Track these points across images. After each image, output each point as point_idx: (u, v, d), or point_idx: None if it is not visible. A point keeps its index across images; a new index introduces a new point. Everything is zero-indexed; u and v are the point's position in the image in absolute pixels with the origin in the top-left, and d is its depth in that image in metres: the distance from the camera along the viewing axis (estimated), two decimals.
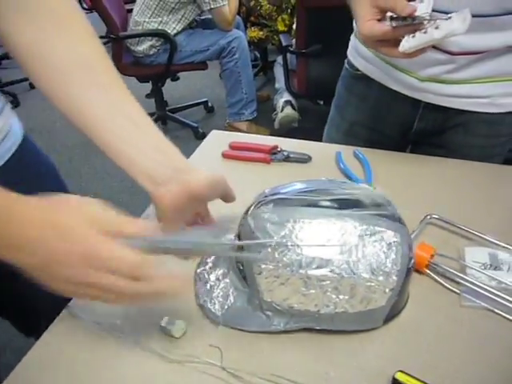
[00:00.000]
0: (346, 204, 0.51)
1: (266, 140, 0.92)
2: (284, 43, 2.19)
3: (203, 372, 0.49)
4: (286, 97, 2.59)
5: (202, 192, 0.54)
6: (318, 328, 0.52)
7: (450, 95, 0.80)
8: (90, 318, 0.55)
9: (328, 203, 0.52)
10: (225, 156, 0.88)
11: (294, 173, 0.81)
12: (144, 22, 2.40)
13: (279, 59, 2.73)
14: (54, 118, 2.84)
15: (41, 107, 2.98)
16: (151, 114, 2.84)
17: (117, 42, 2.37)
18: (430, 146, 0.89)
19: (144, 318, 0.55)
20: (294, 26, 2.41)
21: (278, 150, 0.86)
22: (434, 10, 0.62)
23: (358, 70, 0.90)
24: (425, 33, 0.60)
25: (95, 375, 0.50)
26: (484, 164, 0.82)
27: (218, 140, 0.94)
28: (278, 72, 2.70)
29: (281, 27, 3.00)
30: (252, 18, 3.10)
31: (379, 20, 0.64)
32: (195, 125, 2.76)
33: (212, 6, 2.33)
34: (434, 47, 0.75)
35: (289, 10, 2.99)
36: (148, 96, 2.83)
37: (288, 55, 2.27)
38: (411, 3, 0.62)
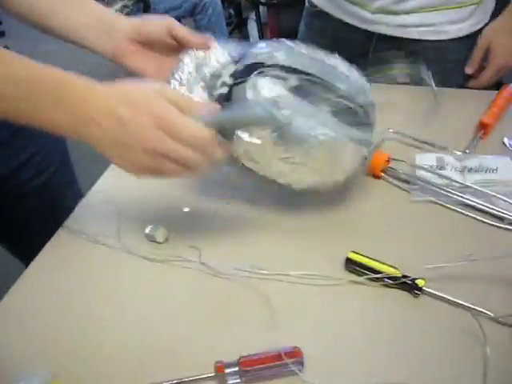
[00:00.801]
0: None
1: None
2: None
3: (185, 268, 0.57)
4: None
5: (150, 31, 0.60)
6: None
7: (400, 25, 0.87)
8: (84, 233, 0.62)
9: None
10: None
11: None
12: None
13: (252, 15, 2.73)
14: None
15: None
16: None
17: None
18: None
19: (131, 228, 0.61)
20: None
21: None
22: None
23: (316, 6, 0.95)
24: None
25: (92, 280, 0.57)
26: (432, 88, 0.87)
27: None
28: (252, 28, 2.71)
29: None
30: None
31: None
32: None
33: None
34: None
35: None
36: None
37: (261, 9, 2.28)
38: None
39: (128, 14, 2.43)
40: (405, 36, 0.87)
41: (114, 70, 0.79)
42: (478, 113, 0.78)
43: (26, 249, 0.89)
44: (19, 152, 0.78)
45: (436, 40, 0.87)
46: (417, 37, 0.87)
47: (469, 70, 0.89)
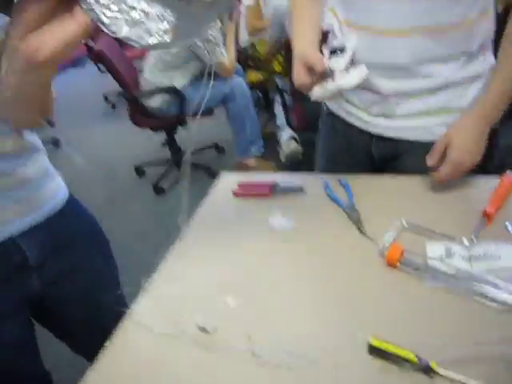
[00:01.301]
0: None
1: (267, 177, 1.11)
2: (280, 86, 2.42)
3: (233, 356, 0.67)
4: (289, 132, 2.80)
5: None
6: None
7: (395, 128, 0.99)
8: (148, 325, 0.73)
9: None
10: (235, 194, 1.07)
11: (291, 202, 1.00)
12: (154, 79, 2.67)
13: (278, 98, 2.97)
14: (73, 175, 3.10)
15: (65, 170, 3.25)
16: (167, 161, 3.08)
17: (132, 99, 2.63)
18: (392, 170, 1.05)
19: (185, 321, 0.73)
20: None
21: (277, 184, 1.05)
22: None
23: (328, 107, 1.11)
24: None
25: (147, 367, 0.68)
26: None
27: (227, 180, 1.13)
28: (278, 110, 2.93)
29: (277, 68, 3.25)
30: (250, 63, 3.37)
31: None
32: (208, 165, 2.99)
33: (214, 60, 2.59)
34: (371, 89, 0.94)
35: (282, 52, 3.24)
36: (164, 144, 3.08)
37: (286, 95, 2.50)
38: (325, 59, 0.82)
39: (166, 107, 2.70)
40: (399, 136, 0.99)
41: None
42: (482, 200, 0.88)
43: (79, 343, 1.01)
44: (61, 262, 0.92)
45: (428, 140, 0.96)
46: (410, 138, 0.98)
47: (429, 161, 0.91)
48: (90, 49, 2.81)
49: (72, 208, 0.95)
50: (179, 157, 3.04)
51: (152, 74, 2.67)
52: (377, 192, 0.98)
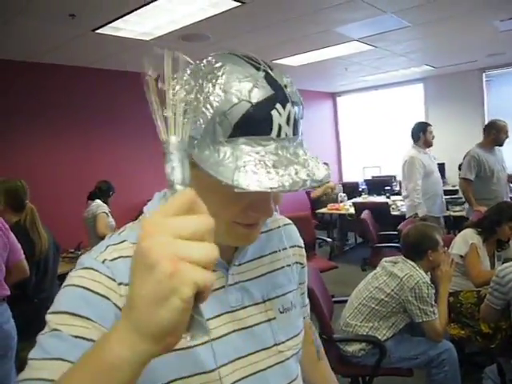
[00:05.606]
0: None
1: None
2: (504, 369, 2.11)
3: None
4: None
5: None
6: None
7: None
8: None
9: None
10: None
11: None
12: (355, 325, 2.60)
13: (488, 370, 2.59)
14: None
15: None
16: None
17: (329, 341, 2.56)
18: None
19: None
20: None
21: None
22: None
23: None
24: None
25: None
26: None
27: None
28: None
29: (485, 329, 2.92)
30: (452, 315, 3.11)
31: None
32: None
33: (424, 320, 2.45)
34: None
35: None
36: None
37: None
38: None
39: (363, 355, 2.55)
40: None
41: None
42: None
43: None
44: None
45: None
46: None
47: None
48: None
49: None
50: None
51: (354, 319, 2.62)
52: None
